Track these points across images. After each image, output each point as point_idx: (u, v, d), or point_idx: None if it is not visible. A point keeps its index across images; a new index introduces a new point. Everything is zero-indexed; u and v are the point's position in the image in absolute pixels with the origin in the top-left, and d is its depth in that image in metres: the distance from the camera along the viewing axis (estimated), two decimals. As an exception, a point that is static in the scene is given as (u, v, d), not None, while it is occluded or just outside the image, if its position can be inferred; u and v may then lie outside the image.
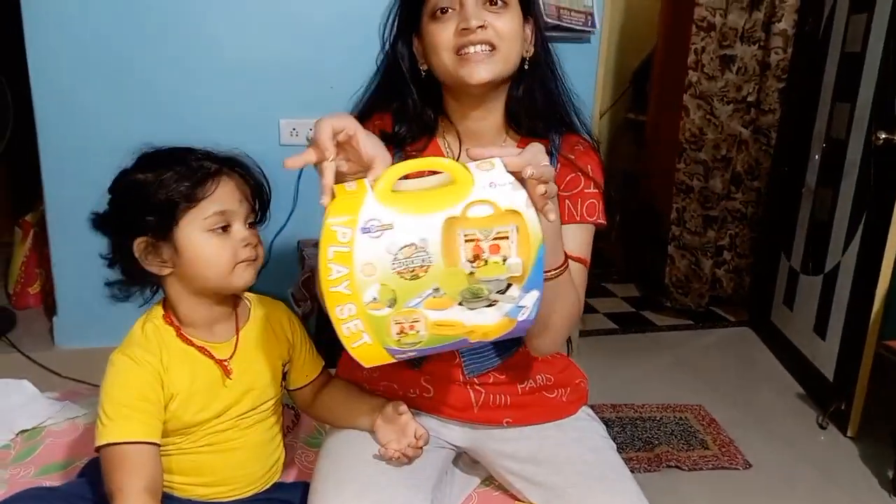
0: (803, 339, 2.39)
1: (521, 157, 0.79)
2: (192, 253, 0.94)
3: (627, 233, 3.45)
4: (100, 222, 0.98)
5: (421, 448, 0.99)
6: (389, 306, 0.76)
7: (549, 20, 2.04)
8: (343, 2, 2.09)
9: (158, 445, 0.92)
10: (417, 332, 0.77)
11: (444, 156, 1.08)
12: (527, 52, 1.04)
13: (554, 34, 2.05)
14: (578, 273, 1.02)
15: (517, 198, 0.77)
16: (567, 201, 1.05)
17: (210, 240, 0.94)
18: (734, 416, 2.11)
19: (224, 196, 0.95)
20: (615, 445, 1.10)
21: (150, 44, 2.02)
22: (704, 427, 2.04)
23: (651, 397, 2.21)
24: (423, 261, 0.75)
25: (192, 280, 0.96)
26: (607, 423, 1.20)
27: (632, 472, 1.04)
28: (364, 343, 0.78)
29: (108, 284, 1.00)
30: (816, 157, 2.40)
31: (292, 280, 1.95)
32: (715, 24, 2.67)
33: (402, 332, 0.77)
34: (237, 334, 1.02)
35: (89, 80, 2.01)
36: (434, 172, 0.82)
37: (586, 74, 2.26)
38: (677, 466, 1.84)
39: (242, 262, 0.96)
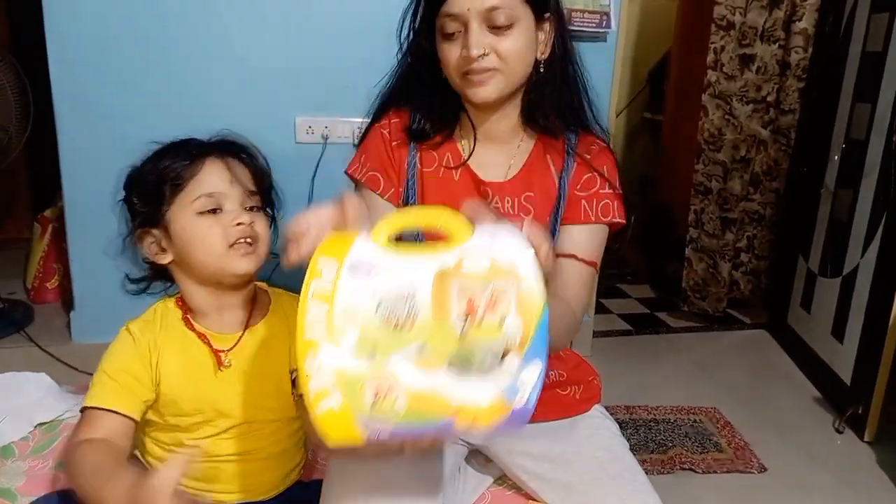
0: (821, 343, 2.36)
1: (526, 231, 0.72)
2: (182, 236, 0.94)
3: (643, 234, 3.44)
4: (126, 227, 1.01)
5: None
6: (367, 359, 0.66)
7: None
8: (358, 3, 2.10)
9: (131, 420, 0.92)
10: (395, 399, 0.66)
11: (459, 156, 1.09)
12: (541, 54, 1.04)
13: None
14: (589, 277, 1.02)
15: (520, 255, 0.68)
16: (583, 201, 1.05)
17: (199, 221, 0.93)
18: (749, 420, 2.09)
19: (211, 178, 0.94)
20: (628, 444, 1.10)
21: (167, 43, 2.04)
22: (719, 430, 2.03)
23: (665, 399, 2.19)
24: (409, 312, 0.67)
25: (189, 266, 0.96)
26: (621, 425, 1.20)
27: (645, 473, 1.03)
28: (330, 409, 0.66)
29: (129, 279, 1.03)
30: (836, 157, 2.37)
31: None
32: (734, 22, 2.64)
33: (377, 395, 0.67)
34: (244, 328, 1.01)
35: (108, 80, 2.03)
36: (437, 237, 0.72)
37: (603, 74, 2.25)
38: (691, 469, 1.83)
39: (235, 244, 0.94)
